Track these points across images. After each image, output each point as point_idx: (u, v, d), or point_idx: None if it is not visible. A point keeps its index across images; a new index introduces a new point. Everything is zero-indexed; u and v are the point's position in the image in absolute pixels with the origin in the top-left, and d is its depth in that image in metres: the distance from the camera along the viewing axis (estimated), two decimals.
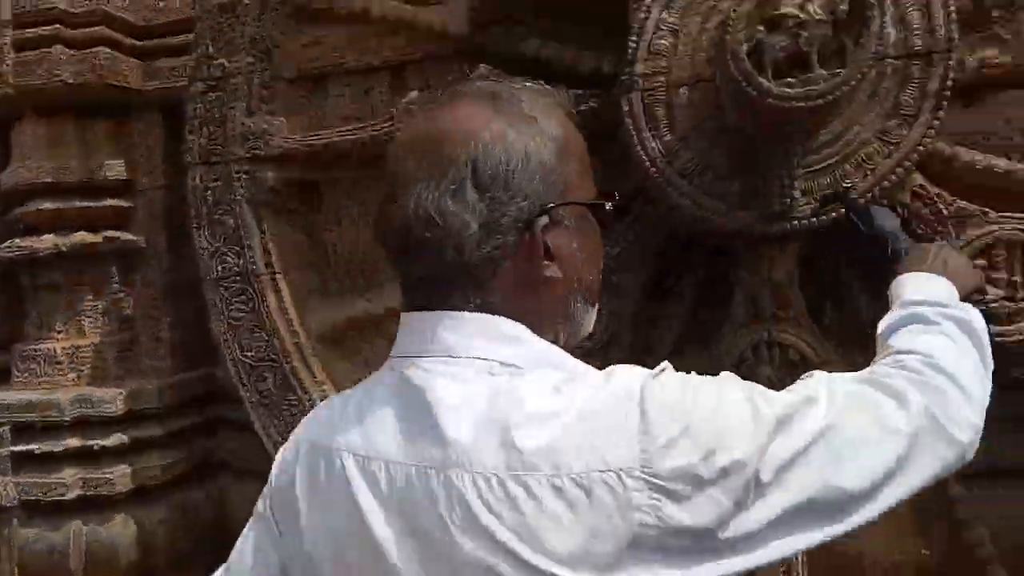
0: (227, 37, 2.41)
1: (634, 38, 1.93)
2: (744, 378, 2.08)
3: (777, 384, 2.04)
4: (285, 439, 2.43)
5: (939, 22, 1.79)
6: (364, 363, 2.61)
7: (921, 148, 1.83)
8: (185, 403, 2.86)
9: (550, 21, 2.30)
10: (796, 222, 1.87)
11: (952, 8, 1.79)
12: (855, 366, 2.07)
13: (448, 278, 0.79)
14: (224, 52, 2.43)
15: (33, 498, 2.69)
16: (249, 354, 2.47)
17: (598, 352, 2.19)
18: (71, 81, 2.80)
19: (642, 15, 1.93)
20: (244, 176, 2.45)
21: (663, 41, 1.92)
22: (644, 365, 0.84)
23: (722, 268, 2.21)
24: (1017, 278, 1.90)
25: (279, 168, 2.46)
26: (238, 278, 2.47)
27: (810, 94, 1.65)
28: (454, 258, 0.77)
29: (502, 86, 0.91)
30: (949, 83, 1.81)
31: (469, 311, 0.79)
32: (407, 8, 2.35)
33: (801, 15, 1.63)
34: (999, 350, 1.09)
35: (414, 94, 2.29)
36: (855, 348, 2.22)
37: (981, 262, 1.89)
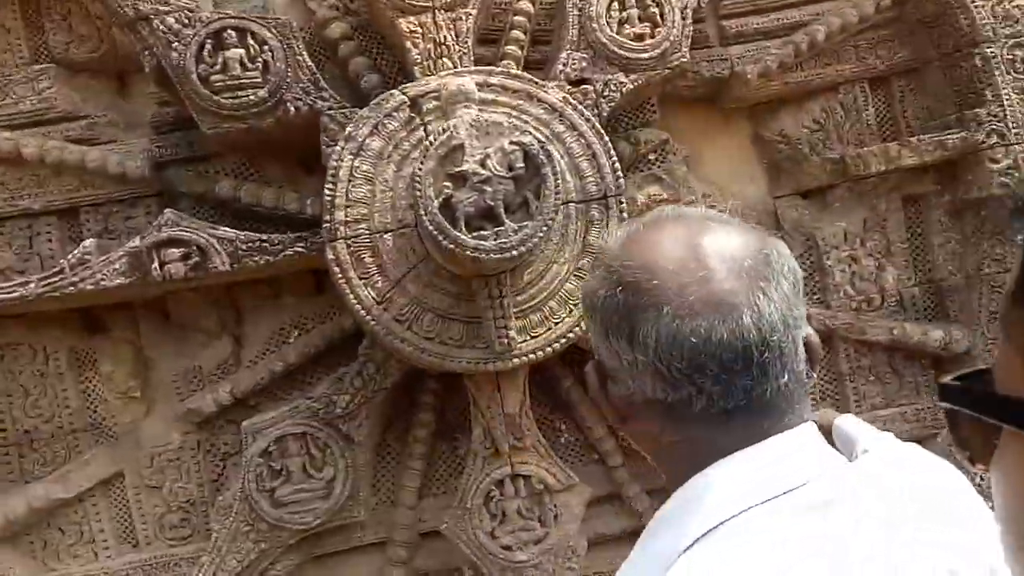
0: None
1: (330, 186, 1.90)
2: (493, 514, 2.12)
3: (527, 514, 2.15)
4: None
5: (607, 170, 2.00)
6: (55, 557, 2.20)
7: None
8: None
9: (243, 159, 2.20)
10: (518, 359, 1.95)
11: (614, 157, 2.02)
12: (596, 484, 2.19)
13: (793, 390, 0.73)
14: None
15: None
16: None
17: (338, 512, 2.09)
18: None
19: (334, 162, 1.91)
20: None
21: (360, 189, 1.91)
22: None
23: (458, 403, 2.25)
24: None
25: None
26: None
27: (503, 246, 1.73)
28: (795, 365, 0.73)
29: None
30: (626, 219, 2.02)
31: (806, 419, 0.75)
32: (72, 148, 2.09)
33: (483, 172, 1.72)
34: None
35: (90, 242, 2.03)
36: (592, 462, 2.40)
37: None
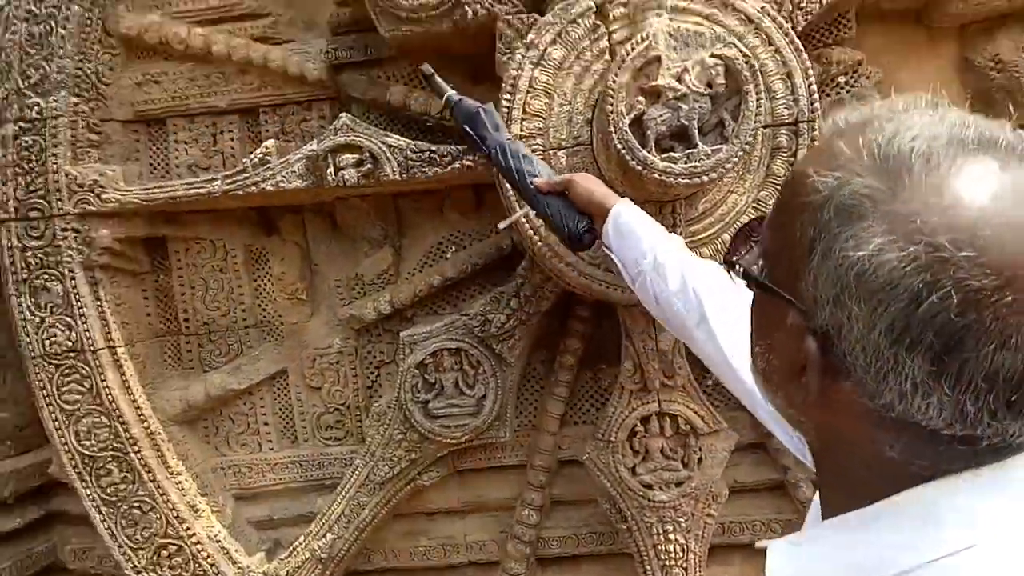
0: (42, 72, 2.06)
1: (508, 96, 1.82)
2: (635, 450, 2.09)
3: (671, 454, 2.11)
4: (135, 542, 2.13)
5: (802, 92, 1.81)
6: (225, 444, 2.36)
7: None
8: (15, 497, 2.45)
9: (416, 66, 2.15)
10: None
11: (812, 78, 1.83)
12: (740, 431, 2.10)
13: None
14: (40, 90, 2.08)
15: None
16: (88, 443, 2.15)
17: (485, 431, 2.11)
18: None
19: (513, 72, 1.83)
20: (73, 235, 2.10)
21: (539, 101, 1.83)
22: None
23: (607, 334, 2.20)
24: None
25: (116, 225, 2.13)
26: (71, 355, 2.13)
27: (694, 170, 1.62)
28: None
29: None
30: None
31: None
32: (256, 46, 2.11)
33: (679, 87, 1.60)
34: None
35: (271, 143, 2.07)
36: (739, 408, 2.30)
37: None
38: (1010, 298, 0.51)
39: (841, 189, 0.57)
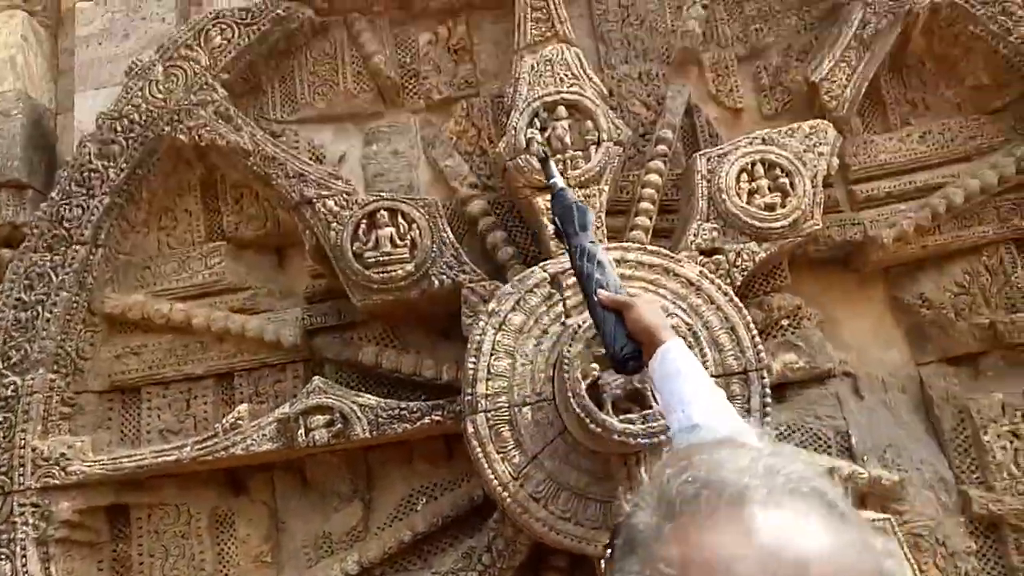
0: (23, 353, 2.15)
1: (473, 359, 1.94)
2: None
3: None
4: None
5: (747, 343, 1.96)
6: None
7: None
8: None
9: (386, 327, 2.30)
10: None
11: (754, 330, 1.97)
12: None
13: None
14: (18, 369, 2.15)
15: None
16: None
17: None
18: None
19: (478, 336, 1.95)
20: (31, 510, 2.06)
21: (501, 362, 1.94)
22: None
23: None
24: None
25: (78, 496, 2.11)
26: None
27: (651, 431, 1.69)
28: None
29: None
30: (768, 398, 1.94)
31: None
32: (235, 317, 2.25)
33: None
34: None
35: (243, 407, 2.13)
36: None
37: None
38: None
39: (632, 517, 0.59)
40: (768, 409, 1.94)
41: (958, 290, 2.43)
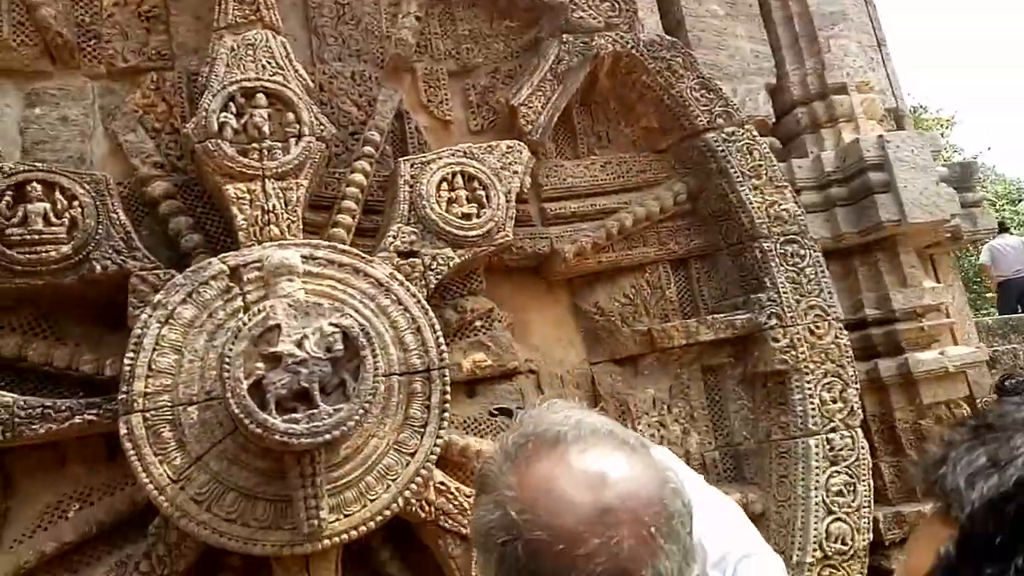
0: None
1: (131, 355, 1.78)
2: None
3: None
4: None
5: (431, 344, 2.04)
6: None
7: (433, 456, 2.00)
8: None
9: (36, 314, 2.02)
10: (328, 540, 1.85)
11: (439, 332, 2.07)
12: None
13: None
14: None
15: None
16: None
17: None
18: None
19: (138, 330, 1.80)
20: None
21: (166, 359, 1.81)
22: None
23: None
24: None
25: None
26: None
27: (316, 430, 1.69)
28: None
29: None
30: (448, 396, 2.04)
31: None
32: None
33: (299, 353, 1.70)
34: None
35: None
36: None
37: None
38: (561, 547, 0.69)
39: (483, 470, 0.79)
40: (447, 405, 2.04)
41: (625, 301, 2.78)
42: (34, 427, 1.82)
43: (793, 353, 2.68)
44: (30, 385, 1.96)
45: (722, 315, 2.74)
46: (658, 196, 2.78)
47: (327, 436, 1.68)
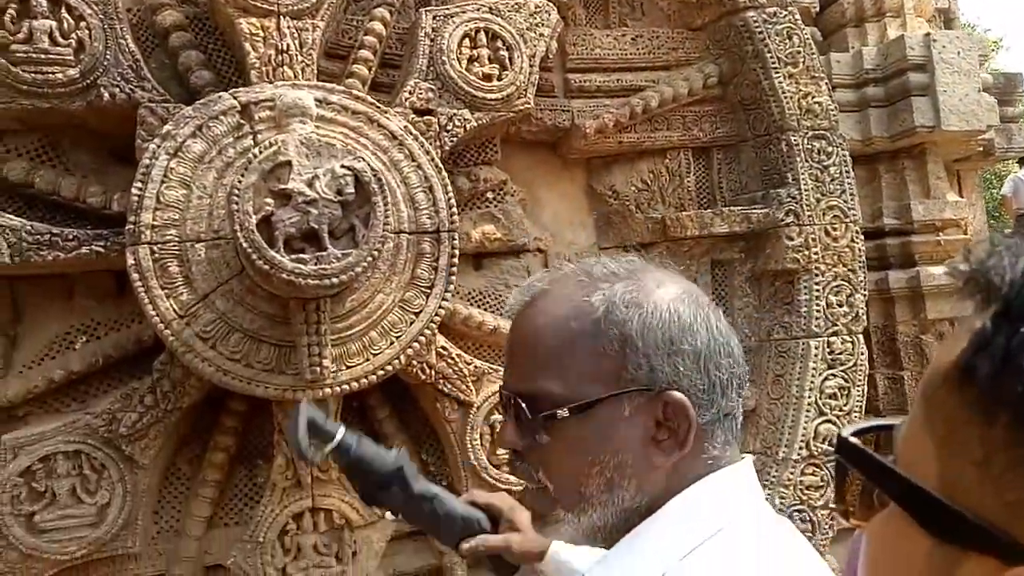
0: None
1: (139, 184, 1.74)
2: (287, 549, 1.99)
3: (324, 550, 2.06)
4: None
5: (442, 204, 2.00)
6: None
7: (438, 317, 2.00)
8: None
9: (44, 140, 1.97)
10: (329, 389, 1.88)
11: (451, 192, 2.02)
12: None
13: None
14: None
15: None
16: None
17: (109, 543, 1.89)
18: None
19: (147, 159, 1.76)
20: None
21: (174, 192, 1.77)
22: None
23: (262, 427, 2.12)
24: None
25: None
26: None
27: (323, 272, 1.67)
28: None
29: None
30: (456, 258, 2.02)
31: None
32: None
33: (309, 192, 1.66)
34: None
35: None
36: None
37: (498, 416, 2.11)
38: (690, 309, 0.75)
39: (614, 296, 0.77)
40: (454, 269, 2.02)
41: (642, 186, 2.71)
42: (42, 253, 1.81)
43: (806, 253, 2.64)
44: (38, 214, 1.93)
45: (739, 208, 2.68)
46: (688, 77, 2.66)
47: (334, 280, 1.66)
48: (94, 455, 1.87)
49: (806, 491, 2.49)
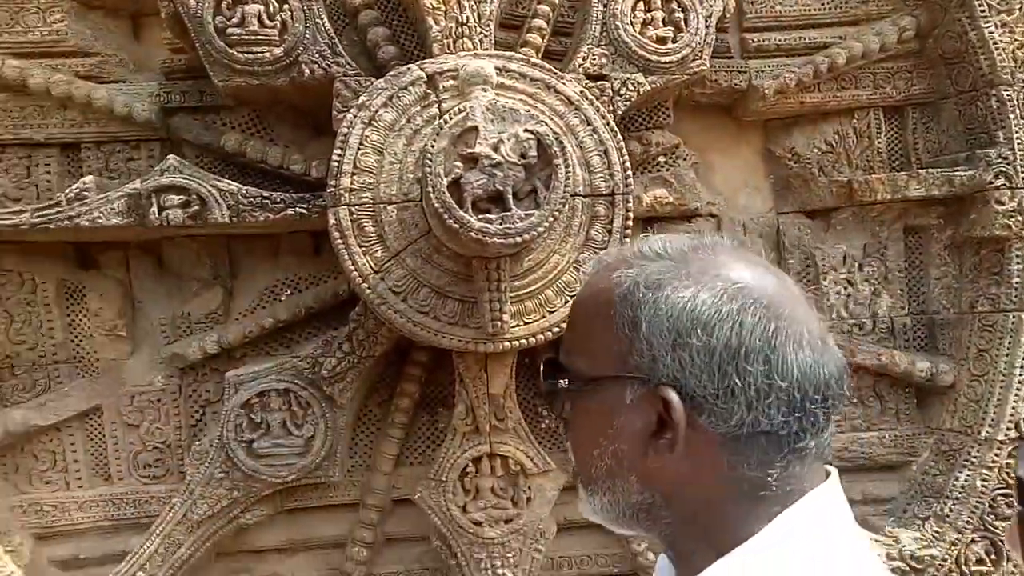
0: None
1: (339, 151, 1.89)
2: (467, 489, 2.15)
3: (500, 493, 2.18)
4: None
5: (617, 167, 2.00)
6: (27, 481, 2.22)
7: None
8: None
9: (252, 114, 2.19)
10: (508, 343, 1.97)
11: (626, 156, 2.02)
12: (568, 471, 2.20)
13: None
14: None
15: None
16: None
17: (314, 470, 2.10)
18: None
19: (345, 128, 1.90)
20: None
21: (368, 158, 1.91)
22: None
23: (443, 378, 2.27)
24: None
25: None
26: None
27: (508, 231, 1.74)
28: None
29: None
30: (630, 221, 2.02)
31: None
32: (80, 83, 2.06)
33: (495, 156, 1.72)
34: None
35: (89, 179, 2.02)
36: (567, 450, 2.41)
37: None
38: (787, 310, 0.71)
39: (641, 275, 0.74)
40: (628, 231, 2.03)
41: (826, 148, 2.55)
42: (255, 214, 2.02)
43: (1019, 219, 2.37)
44: (249, 181, 2.15)
45: (938, 170, 2.45)
46: (880, 31, 2.45)
47: (517, 238, 1.72)
48: (300, 393, 2.09)
49: (1014, 474, 2.28)
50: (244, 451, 2.07)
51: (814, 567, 0.67)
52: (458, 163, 1.72)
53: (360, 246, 1.92)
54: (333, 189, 1.90)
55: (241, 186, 2.03)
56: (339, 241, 1.90)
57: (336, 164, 1.88)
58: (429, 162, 1.70)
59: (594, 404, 0.75)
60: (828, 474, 0.76)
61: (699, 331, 0.68)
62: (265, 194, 2.03)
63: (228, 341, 2.20)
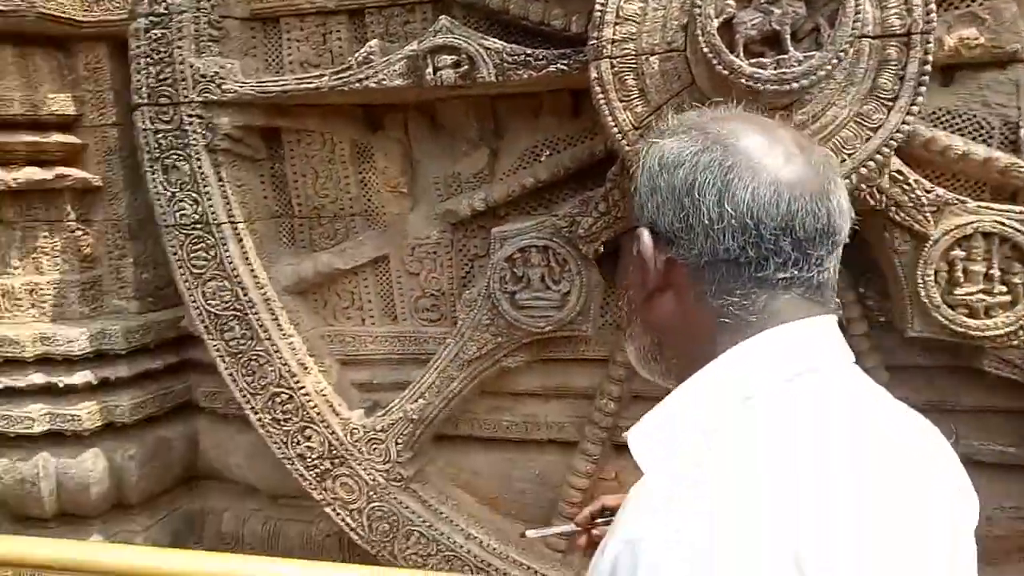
0: None
1: (601, 1, 1.83)
2: None
3: None
4: (253, 388, 2.46)
5: (917, 1, 1.72)
6: (332, 315, 2.63)
7: (899, 134, 1.80)
8: (156, 344, 2.86)
9: None
10: None
11: None
12: None
13: (833, 284, 0.80)
14: None
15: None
16: (213, 303, 2.46)
17: (568, 324, 2.23)
18: (1, 8, 2.61)
19: None
20: (198, 120, 2.33)
21: (632, 5, 1.83)
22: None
23: None
24: (994, 271, 1.90)
25: (235, 113, 2.35)
26: (198, 226, 2.42)
27: (783, 76, 1.60)
28: (838, 263, 0.80)
29: None
30: (928, 67, 1.76)
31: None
32: None
33: None
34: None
35: (374, 43, 2.19)
36: None
37: (958, 252, 1.91)
38: (753, 146, 0.75)
39: (657, 139, 0.81)
40: (924, 79, 1.77)
41: None
42: (518, 72, 2.06)
43: None
44: (511, 39, 2.18)
45: None
46: None
47: (794, 85, 1.59)
48: (558, 251, 2.19)
49: None
50: (507, 301, 2.24)
51: (758, 402, 0.69)
52: (731, 1, 1.59)
53: (621, 101, 1.89)
54: (595, 41, 1.86)
55: (506, 44, 2.07)
56: (600, 96, 1.89)
57: (599, 13, 1.83)
58: (699, 1, 1.59)
59: (622, 257, 0.84)
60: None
61: (665, 174, 0.76)
62: (528, 51, 2.06)
63: (493, 199, 2.34)
